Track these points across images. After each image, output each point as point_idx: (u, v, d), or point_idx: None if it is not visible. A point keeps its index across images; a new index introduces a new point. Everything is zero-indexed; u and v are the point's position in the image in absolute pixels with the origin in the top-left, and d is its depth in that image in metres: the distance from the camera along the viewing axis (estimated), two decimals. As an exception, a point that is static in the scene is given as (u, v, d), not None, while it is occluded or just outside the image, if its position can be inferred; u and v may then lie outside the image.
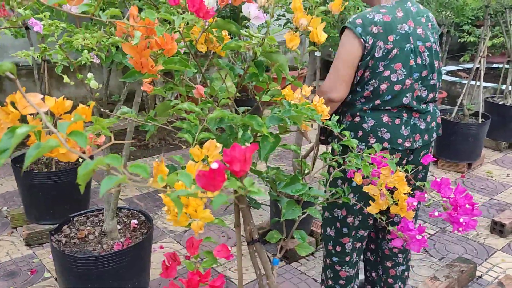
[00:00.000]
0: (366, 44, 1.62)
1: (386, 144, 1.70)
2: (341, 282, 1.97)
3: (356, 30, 1.62)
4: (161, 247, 2.63)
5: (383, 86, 1.65)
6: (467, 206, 1.07)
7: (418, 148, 1.77)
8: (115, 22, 0.84)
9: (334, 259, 1.94)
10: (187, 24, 0.87)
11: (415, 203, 1.16)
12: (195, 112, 0.92)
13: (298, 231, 1.24)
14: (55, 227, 2.09)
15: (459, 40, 5.49)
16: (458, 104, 3.80)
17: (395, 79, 1.65)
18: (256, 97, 1.10)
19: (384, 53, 1.62)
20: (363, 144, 1.72)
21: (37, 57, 1.57)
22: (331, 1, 0.98)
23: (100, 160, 0.50)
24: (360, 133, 1.72)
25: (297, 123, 1.03)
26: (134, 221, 2.15)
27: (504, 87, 4.33)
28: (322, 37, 0.97)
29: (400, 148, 1.71)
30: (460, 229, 1.07)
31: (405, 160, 1.77)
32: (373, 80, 1.66)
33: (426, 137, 1.77)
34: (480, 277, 2.39)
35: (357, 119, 1.73)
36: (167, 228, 2.85)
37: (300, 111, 1.01)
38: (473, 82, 3.87)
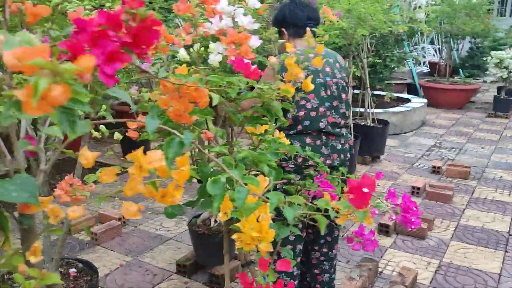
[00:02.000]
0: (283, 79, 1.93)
1: (311, 162, 1.98)
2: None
3: (275, 67, 1.91)
4: None
5: (301, 113, 2.02)
6: (414, 208, 1.40)
7: (337, 165, 2.11)
8: (162, 82, 0.96)
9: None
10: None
11: (376, 212, 1.45)
12: (226, 154, 1.07)
13: (285, 248, 1.44)
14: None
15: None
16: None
17: (310, 107, 2.02)
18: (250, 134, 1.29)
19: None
20: (292, 163, 2.04)
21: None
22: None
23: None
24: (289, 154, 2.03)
25: (292, 155, 1.25)
26: (73, 270, 2.08)
27: (363, 110, 5.10)
28: (311, 86, 1.21)
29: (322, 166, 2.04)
30: (413, 227, 1.39)
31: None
32: (293, 109, 1.99)
33: (342, 156, 2.14)
34: (381, 272, 2.83)
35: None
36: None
37: (292, 146, 1.24)
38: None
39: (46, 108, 0.42)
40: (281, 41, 2.14)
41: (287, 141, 1.45)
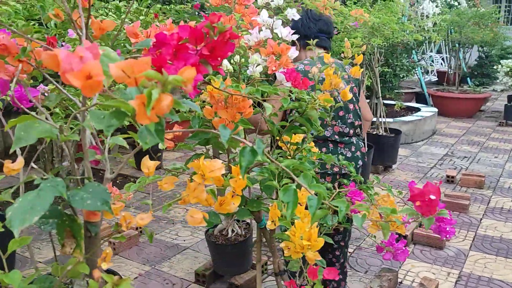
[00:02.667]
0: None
1: (316, 170, 2.01)
2: None
3: (315, 76, 2.00)
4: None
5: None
6: (448, 217, 1.40)
7: (347, 172, 2.10)
8: (210, 92, 0.97)
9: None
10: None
11: (410, 220, 1.45)
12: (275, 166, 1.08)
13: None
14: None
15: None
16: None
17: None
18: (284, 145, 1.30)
19: None
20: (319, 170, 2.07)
21: None
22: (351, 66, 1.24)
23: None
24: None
25: (329, 164, 1.25)
26: (97, 279, 2.09)
27: (375, 119, 5.10)
28: (349, 95, 1.22)
29: (329, 172, 2.09)
30: (447, 236, 1.39)
31: (337, 183, 2.11)
32: (329, 118, 2.01)
33: (353, 163, 2.08)
34: (401, 282, 2.82)
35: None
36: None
37: (329, 156, 1.24)
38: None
39: (154, 117, 0.43)
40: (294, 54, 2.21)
41: (316, 150, 1.46)
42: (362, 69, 4.38)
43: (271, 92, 0.99)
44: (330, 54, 2.24)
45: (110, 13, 1.54)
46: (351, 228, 2.27)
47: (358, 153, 2.19)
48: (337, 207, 0.72)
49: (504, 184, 4.58)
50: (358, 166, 2.19)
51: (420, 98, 8.74)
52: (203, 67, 0.59)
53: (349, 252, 3.19)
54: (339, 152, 2.12)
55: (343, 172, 2.10)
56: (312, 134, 2.04)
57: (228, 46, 0.60)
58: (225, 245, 2.71)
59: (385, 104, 6.99)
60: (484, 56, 9.42)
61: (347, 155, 2.14)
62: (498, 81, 7.65)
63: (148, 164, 0.78)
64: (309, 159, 1.21)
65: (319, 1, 2.83)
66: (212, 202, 0.78)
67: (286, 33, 1.19)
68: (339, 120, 2.11)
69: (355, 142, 2.18)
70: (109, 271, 2.18)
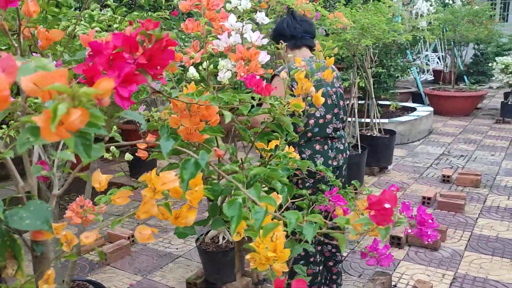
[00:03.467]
0: (293, 88, 2.02)
1: (300, 172, 2.17)
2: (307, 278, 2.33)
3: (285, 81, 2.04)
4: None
5: (311, 121, 2.15)
6: (429, 221, 1.37)
7: (341, 165, 2.30)
8: (173, 101, 0.95)
9: (301, 262, 2.28)
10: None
11: (391, 226, 1.42)
12: (237, 172, 1.05)
13: (298, 265, 1.41)
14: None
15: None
16: (340, 138, 4.35)
17: (319, 115, 2.16)
18: (260, 151, 1.27)
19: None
20: (306, 174, 2.12)
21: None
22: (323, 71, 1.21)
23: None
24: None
25: (302, 169, 1.22)
26: (83, 292, 2.06)
27: (368, 120, 5.08)
28: (321, 99, 1.19)
29: (330, 168, 2.16)
30: (429, 240, 1.36)
31: (334, 176, 2.25)
32: (302, 117, 2.03)
33: (345, 155, 2.33)
34: (395, 285, 2.78)
35: (296, 152, 2.09)
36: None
37: (304, 162, 1.22)
38: (349, 119, 4.48)
39: (64, 133, 0.41)
40: (290, 55, 2.22)
41: (298, 156, 1.43)
42: (352, 70, 4.32)
43: (230, 100, 0.96)
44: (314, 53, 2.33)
45: (82, 22, 1.52)
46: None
47: (346, 144, 2.35)
48: (286, 218, 0.69)
49: (501, 182, 4.55)
50: (347, 155, 2.35)
51: (417, 97, 8.70)
52: (141, 76, 0.56)
53: (344, 256, 3.15)
54: (335, 146, 2.25)
55: (340, 164, 2.27)
56: (316, 132, 2.16)
57: (167, 54, 0.57)
58: (216, 252, 2.68)
59: (380, 105, 6.96)
60: (479, 53, 9.39)
61: (340, 148, 2.28)
62: (494, 78, 7.61)
63: (99, 178, 0.75)
64: (284, 166, 1.18)
65: (299, 2, 2.81)
66: (168, 216, 0.76)
67: (256, 37, 1.17)
68: (334, 117, 2.23)
69: (343, 134, 2.34)
70: (96, 284, 2.15)
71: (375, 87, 7.08)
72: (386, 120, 6.15)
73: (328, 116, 2.19)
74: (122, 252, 3.17)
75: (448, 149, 5.89)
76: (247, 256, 0.91)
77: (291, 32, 2.25)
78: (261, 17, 1.25)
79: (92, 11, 1.60)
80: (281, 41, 2.34)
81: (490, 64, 8.08)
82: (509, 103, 7.43)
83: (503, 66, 7.08)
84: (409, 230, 1.41)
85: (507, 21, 16.85)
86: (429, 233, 1.37)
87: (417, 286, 2.59)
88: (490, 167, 5.08)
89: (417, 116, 6.48)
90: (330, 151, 2.23)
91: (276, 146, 1.21)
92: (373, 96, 4.89)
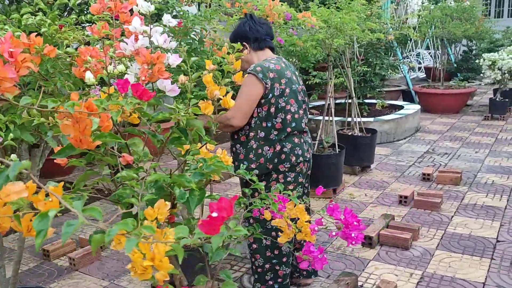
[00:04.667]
0: (267, 85, 2.16)
1: (300, 159, 2.29)
2: (279, 280, 2.38)
3: (258, 75, 2.15)
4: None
5: (288, 117, 2.23)
6: (355, 223, 1.35)
7: (310, 157, 2.41)
8: (57, 109, 0.93)
9: (274, 261, 2.32)
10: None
11: (316, 228, 1.40)
12: (134, 178, 1.03)
13: (223, 270, 1.39)
14: None
15: (306, 82, 6.24)
16: (317, 138, 4.33)
17: (293, 111, 2.25)
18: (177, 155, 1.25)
19: (280, 92, 2.19)
20: (288, 163, 2.25)
21: None
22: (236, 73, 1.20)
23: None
24: (283, 156, 2.24)
25: (218, 175, 1.21)
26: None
27: (349, 119, 5.05)
28: (231, 102, 1.17)
29: (306, 160, 2.33)
30: (353, 242, 1.34)
31: (306, 167, 2.38)
32: (280, 113, 2.21)
33: (311, 148, 2.45)
34: (362, 286, 2.76)
35: (278, 147, 2.24)
36: (61, 301, 2.70)
37: (220, 165, 1.20)
38: (326, 118, 4.46)
39: None
40: (244, 56, 2.25)
41: (228, 159, 1.41)
42: (328, 69, 4.27)
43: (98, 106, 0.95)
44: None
45: (6, 26, 1.51)
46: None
47: (310, 139, 2.49)
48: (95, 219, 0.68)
49: (481, 180, 4.52)
50: (312, 149, 2.49)
51: (407, 95, 8.68)
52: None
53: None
54: (306, 140, 2.38)
55: (309, 157, 2.39)
56: (294, 127, 2.24)
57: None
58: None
59: (367, 104, 6.94)
60: (469, 50, 9.35)
61: (309, 141, 2.42)
62: (482, 74, 7.58)
63: None
64: (198, 171, 1.16)
65: (266, 4, 2.80)
66: (20, 228, 0.74)
67: (163, 40, 1.15)
68: (303, 113, 2.35)
69: (307, 129, 2.44)
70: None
71: (362, 86, 7.06)
72: (371, 119, 6.13)
73: (301, 112, 2.30)
74: (92, 257, 3.16)
75: (433, 147, 5.86)
76: (128, 266, 0.89)
77: (254, 35, 2.31)
78: (167, 19, 1.23)
79: (22, 16, 1.59)
80: (245, 43, 2.37)
81: (476, 61, 8.04)
82: (497, 99, 7.40)
83: (490, 62, 7.04)
84: (333, 233, 1.39)
85: (501, 17, 16.79)
86: (353, 235, 1.35)
87: (381, 286, 2.57)
88: (472, 164, 5.05)
89: (403, 114, 6.45)
90: (304, 144, 2.35)
91: (187, 151, 1.20)
92: (354, 95, 4.87)
